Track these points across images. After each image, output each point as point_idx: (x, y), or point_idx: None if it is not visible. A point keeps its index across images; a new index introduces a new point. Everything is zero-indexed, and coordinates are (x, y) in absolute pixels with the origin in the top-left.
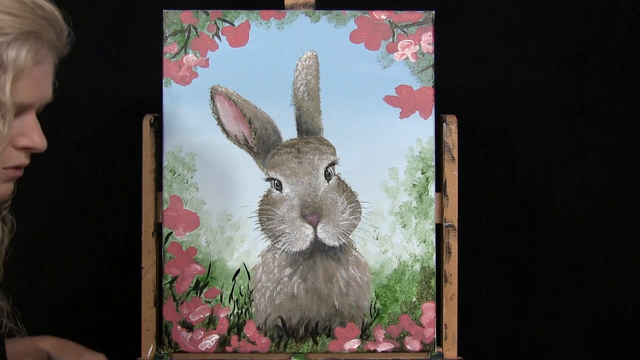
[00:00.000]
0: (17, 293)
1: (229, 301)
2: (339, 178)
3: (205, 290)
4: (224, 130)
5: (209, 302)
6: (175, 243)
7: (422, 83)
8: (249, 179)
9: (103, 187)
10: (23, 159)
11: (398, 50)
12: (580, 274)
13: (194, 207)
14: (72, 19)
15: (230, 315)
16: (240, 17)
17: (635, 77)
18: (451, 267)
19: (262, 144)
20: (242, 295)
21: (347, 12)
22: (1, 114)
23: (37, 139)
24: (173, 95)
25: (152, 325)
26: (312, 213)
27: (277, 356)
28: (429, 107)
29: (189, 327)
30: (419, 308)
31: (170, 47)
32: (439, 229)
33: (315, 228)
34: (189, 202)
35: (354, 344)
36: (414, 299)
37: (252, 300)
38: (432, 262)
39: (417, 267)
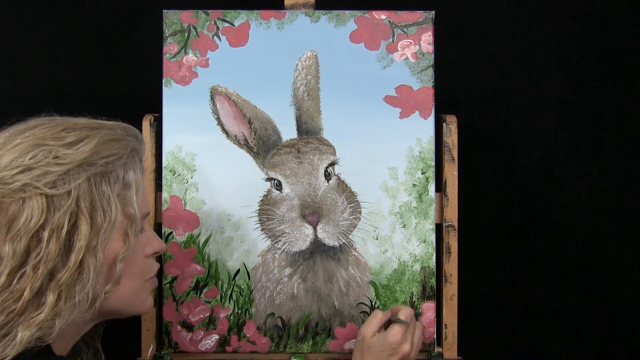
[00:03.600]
0: None
1: (229, 301)
2: (339, 178)
3: (205, 290)
4: (224, 130)
5: (209, 302)
6: (175, 243)
7: (422, 83)
8: (249, 179)
9: None
10: (157, 265)
11: (398, 50)
12: (581, 274)
13: (194, 207)
14: (72, 19)
15: (230, 315)
16: (240, 17)
17: (635, 77)
18: (451, 267)
19: (262, 144)
20: (242, 295)
21: (347, 12)
22: (132, 227)
23: (159, 244)
24: (173, 95)
25: (152, 325)
26: (312, 213)
27: (277, 356)
28: (429, 107)
29: (189, 327)
30: (419, 308)
31: (170, 47)
32: (439, 229)
33: (315, 228)
34: (189, 202)
35: (353, 344)
36: (414, 299)
37: (252, 300)
38: (432, 262)
39: (417, 267)
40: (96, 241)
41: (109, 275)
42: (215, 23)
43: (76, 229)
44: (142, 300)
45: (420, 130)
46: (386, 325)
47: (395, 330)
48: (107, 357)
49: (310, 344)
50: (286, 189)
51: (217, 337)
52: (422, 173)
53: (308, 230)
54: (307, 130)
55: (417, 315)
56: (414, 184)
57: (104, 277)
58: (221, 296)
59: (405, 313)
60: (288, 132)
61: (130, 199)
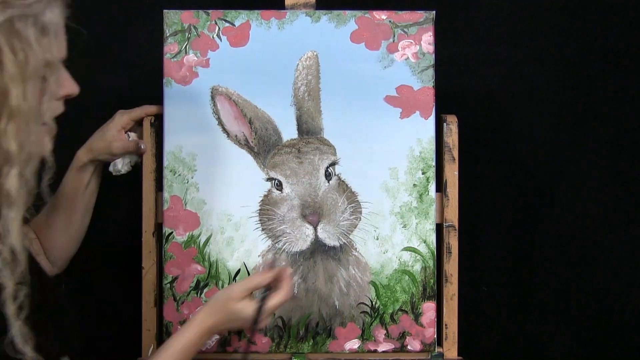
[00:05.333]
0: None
1: None
2: (339, 178)
3: (205, 290)
4: (225, 130)
5: None
6: (176, 243)
7: (423, 83)
8: (249, 179)
9: (103, 187)
10: (62, 108)
11: (398, 50)
12: (581, 274)
13: (194, 207)
14: (72, 19)
15: None
16: (240, 17)
17: (635, 77)
18: (451, 267)
19: (262, 144)
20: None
21: (347, 12)
22: (49, 71)
23: (73, 86)
24: (173, 95)
25: (152, 325)
26: (312, 213)
27: (277, 356)
28: (430, 107)
29: None
30: (419, 308)
31: (170, 47)
32: (439, 229)
33: (315, 228)
34: (189, 202)
35: (354, 344)
36: (414, 299)
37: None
38: (432, 262)
39: (418, 267)
40: (24, 86)
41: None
42: (216, 23)
43: (1, 70)
44: (40, 142)
45: (420, 130)
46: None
47: (268, 310)
48: (107, 357)
49: (310, 344)
50: (287, 189)
51: (217, 337)
52: (423, 173)
53: (308, 230)
54: (308, 130)
55: (417, 316)
56: (414, 184)
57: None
58: None
59: (276, 301)
60: (288, 132)
61: (49, 44)
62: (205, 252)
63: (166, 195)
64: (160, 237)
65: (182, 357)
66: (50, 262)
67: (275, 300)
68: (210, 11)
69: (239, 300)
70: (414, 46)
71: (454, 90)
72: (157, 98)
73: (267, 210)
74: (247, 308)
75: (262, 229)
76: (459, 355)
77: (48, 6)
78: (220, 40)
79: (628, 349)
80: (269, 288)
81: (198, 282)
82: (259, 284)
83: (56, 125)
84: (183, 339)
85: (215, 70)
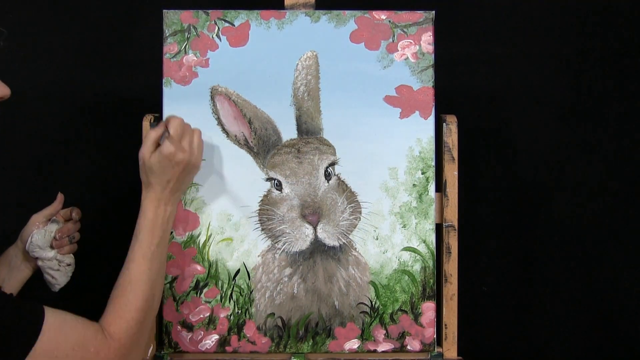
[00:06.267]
0: (18, 293)
1: (229, 301)
2: (339, 178)
3: (205, 290)
4: (224, 130)
5: (209, 302)
6: (175, 243)
7: (422, 83)
8: (249, 179)
9: (103, 187)
10: None
11: (398, 50)
12: (580, 274)
13: (194, 207)
14: (72, 19)
15: (230, 315)
16: (240, 17)
17: (635, 77)
18: (451, 267)
19: (262, 144)
20: (242, 295)
21: (347, 12)
22: None
23: (3, 88)
24: (173, 95)
25: (152, 325)
26: (312, 213)
27: (277, 356)
28: (429, 107)
29: (189, 327)
30: (419, 308)
31: (170, 47)
32: (439, 229)
33: (315, 228)
34: (188, 202)
35: (354, 344)
36: (414, 299)
37: (252, 300)
38: (432, 262)
39: (417, 267)
40: None
41: None
42: (216, 23)
43: None
44: None
45: (420, 130)
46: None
47: (166, 144)
48: None
49: (310, 344)
50: (286, 189)
51: (217, 337)
52: (422, 173)
53: (308, 230)
54: (307, 130)
55: (417, 316)
56: (414, 184)
57: None
58: (221, 296)
59: (173, 125)
60: (288, 132)
61: None
62: (204, 252)
63: None
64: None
65: (153, 235)
66: None
67: (171, 127)
68: (209, 11)
69: (151, 156)
70: (414, 46)
71: (453, 90)
72: (156, 98)
73: (266, 210)
74: (159, 152)
75: (262, 229)
76: (458, 355)
77: None
78: (220, 40)
79: (628, 349)
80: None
81: (198, 282)
82: (155, 134)
83: None
84: (145, 221)
85: (215, 70)
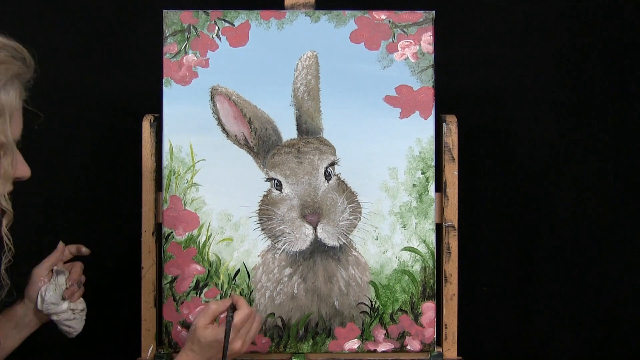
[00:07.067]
0: (17, 293)
1: None
2: (339, 178)
3: (205, 290)
4: (224, 130)
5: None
6: (175, 243)
7: (422, 83)
8: (249, 179)
9: (103, 187)
10: (10, 187)
11: (398, 50)
12: (580, 274)
13: (194, 207)
14: (72, 19)
15: None
16: (240, 17)
17: (635, 77)
18: (451, 267)
19: (262, 144)
20: (242, 295)
21: (347, 12)
22: (2, 152)
23: (24, 169)
24: (173, 95)
25: (152, 325)
26: (312, 213)
27: (277, 356)
28: (429, 107)
29: (188, 327)
30: (419, 308)
31: (170, 47)
32: (439, 229)
33: (315, 228)
34: (188, 202)
35: (354, 344)
36: (414, 299)
37: (252, 300)
38: (432, 262)
39: (417, 267)
40: None
41: None
42: (216, 23)
43: None
44: None
45: (420, 130)
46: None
47: (224, 331)
48: (107, 357)
49: (310, 344)
50: (286, 189)
51: None
52: (422, 173)
53: (308, 230)
54: (307, 130)
55: (417, 316)
56: (414, 184)
57: None
58: (221, 296)
59: (240, 317)
60: (288, 132)
61: (3, 125)
62: (204, 252)
63: (166, 195)
64: (159, 237)
65: None
66: None
67: (239, 316)
68: (209, 11)
69: (205, 328)
70: (414, 46)
71: (453, 90)
72: (156, 98)
73: (266, 210)
74: (215, 331)
75: (262, 229)
76: (458, 355)
77: (4, 88)
78: (220, 40)
79: (628, 349)
80: (232, 312)
81: (198, 282)
82: (217, 309)
83: (9, 202)
84: None
85: (215, 70)
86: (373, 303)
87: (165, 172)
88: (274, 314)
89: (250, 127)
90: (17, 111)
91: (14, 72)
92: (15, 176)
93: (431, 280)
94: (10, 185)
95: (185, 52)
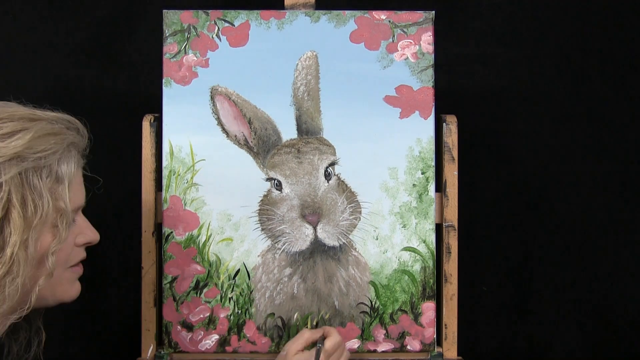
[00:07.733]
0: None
1: (229, 301)
2: (339, 178)
3: (205, 290)
4: (224, 130)
5: (209, 302)
6: (175, 243)
7: (422, 83)
8: (249, 179)
9: (103, 187)
10: (84, 254)
11: (398, 50)
12: (580, 274)
13: (194, 207)
14: (72, 19)
15: (230, 315)
16: (240, 17)
17: (635, 77)
18: (451, 267)
19: (262, 144)
20: (242, 295)
21: (347, 12)
22: (63, 220)
23: (92, 234)
24: (173, 95)
25: (152, 325)
26: (312, 213)
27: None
28: (429, 107)
29: (189, 327)
30: (419, 308)
31: (170, 47)
32: (439, 229)
33: (315, 228)
34: (188, 202)
35: (354, 344)
36: (414, 299)
37: (252, 300)
38: (432, 262)
39: (417, 267)
40: (27, 235)
41: (39, 268)
42: (216, 23)
43: (8, 222)
44: (66, 288)
45: (420, 130)
46: (315, 344)
47: (314, 357)
48: (107, 357)
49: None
50: (286, 189)
51: (217, 337)
52: (422, 173)
53: (308, 230)
54: (307, 130)
55: (417, 316)
56: (414, 184)
57: (34, 270)
58: (221, 296)
59: (331, 343)
60: (288, 132)
61: (62, 193)
62: (204, 252)
63: (165, 195)
64: (159, 237)
65: None
66: None
67: (331, 342)
68: (209, 11)
69: (294, 355)
70: (414, 46)
71: (453, 90)
72: (156, 98)
73: (266, 210)
74: (305, 356)
75: (262, 229)
76: (458, 355)
77: (63, 157)
78: (220, 40)
79: (628, 349)
80: (323, 340)
81: (198, 282)
82: (310, 337)
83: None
84: None
85: (215, 70)
86: (373, 303)
87: (165, 172)
88: (274, 314)
89: (250, 127)
90: (76, 178)
91: (70, 142)
92: (82, 242)
93: (431, 280)
94: (82, 251)
95: (185, 52)
